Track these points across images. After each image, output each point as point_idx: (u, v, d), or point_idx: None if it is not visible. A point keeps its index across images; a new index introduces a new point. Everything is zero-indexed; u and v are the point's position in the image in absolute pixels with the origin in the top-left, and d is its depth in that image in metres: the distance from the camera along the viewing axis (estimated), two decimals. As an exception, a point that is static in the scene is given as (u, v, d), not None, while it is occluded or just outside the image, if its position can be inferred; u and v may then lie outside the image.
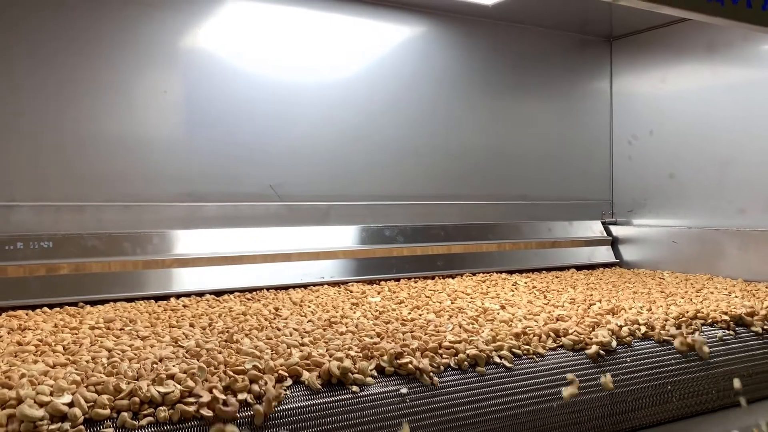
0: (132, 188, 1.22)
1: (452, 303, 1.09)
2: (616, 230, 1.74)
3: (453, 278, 1.43)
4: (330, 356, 0.73)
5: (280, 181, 1.36)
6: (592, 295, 1.18)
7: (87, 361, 0.71)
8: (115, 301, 1.11)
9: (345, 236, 1.40)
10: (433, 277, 1.43)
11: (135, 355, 0.74)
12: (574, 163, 1.75)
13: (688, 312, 0.99)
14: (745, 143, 1.47)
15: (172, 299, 1.14)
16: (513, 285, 1.33)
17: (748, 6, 0.77)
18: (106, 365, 0.69)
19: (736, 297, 1.15)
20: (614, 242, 1.73)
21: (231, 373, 0.66)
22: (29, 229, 1.11)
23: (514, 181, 1.66)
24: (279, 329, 0.88)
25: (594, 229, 1.73)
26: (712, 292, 1.21)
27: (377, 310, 1.02)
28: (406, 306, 1.06)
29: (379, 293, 1.21)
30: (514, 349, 0.80)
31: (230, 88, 1.32)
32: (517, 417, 0.73)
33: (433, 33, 1.56)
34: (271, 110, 1.36)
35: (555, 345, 0.83)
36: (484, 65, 1.63)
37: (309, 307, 1.06)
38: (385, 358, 0.73)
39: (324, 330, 0.87)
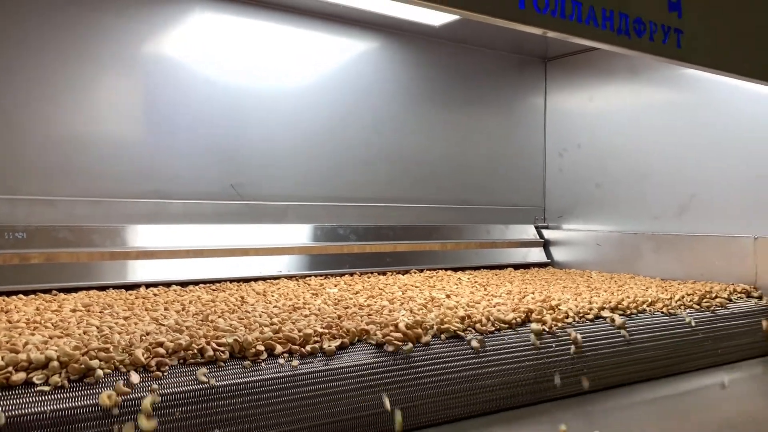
0: (101, 185, 1.28)
1: (403, 294, 1.20)
2: (547, 234, 1.90)
3: (402, 274, 1.55)
4: (299, 331, 0.83)
5: (241, 181, 1.45)
6: (526, 288, 1.32)
7: (80, 334, 0.79)
8: (86, 289, 1.17)
9: (301, 234, 1.50)
10: (384, 273, 1.54)
11: (123, 329, 0.82)
12: (510, 172, 1.90)
13: (610, 301, 1.14)
14: (661, 158, 1.65)
15: (142, 288, 1.21)
16: (457, 280, 1.45)
17: (651, 40, 0.92)
18: (99, 337, 0.77)
19: (651, 291, 1.31)
20: (546, 244, 1.89)
21: (215, 345, 0.75)
22: (3, 221, 1.16)
23: (457, 188, 1.80)
24: (249, 311, 0.97)
25: (528, 232, 1.89)
26: (632, 287, 1.36)
27: (336, 299, 1.13)
28: (361, 295, 1.17)
29: (335, 285, 1.31)
30: (458, 332, 0.92)
31: (194, 93, 1.40)
32: (476, 379, 0.85)
33: (386, 49, 1.68)
34: (233, 115, 1.44)
35: (493, 328, 0.96)
36: (432, 80, 1.76)
37: (273, 296, 1.16)
38: (353, 330, 0.83)
39: (290, 313, 0.97)
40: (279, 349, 0.78)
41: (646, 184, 1.68)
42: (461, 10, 0.75)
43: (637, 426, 0.91)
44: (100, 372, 0.66)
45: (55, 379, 0.64)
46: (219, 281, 1.32)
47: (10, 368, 0.64)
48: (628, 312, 1.13)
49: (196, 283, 1.30)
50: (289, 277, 1.41)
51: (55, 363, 0.65)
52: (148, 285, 1.24)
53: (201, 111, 1.40)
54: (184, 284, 1.27)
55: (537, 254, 1.87)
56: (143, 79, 1.35)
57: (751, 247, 1.42)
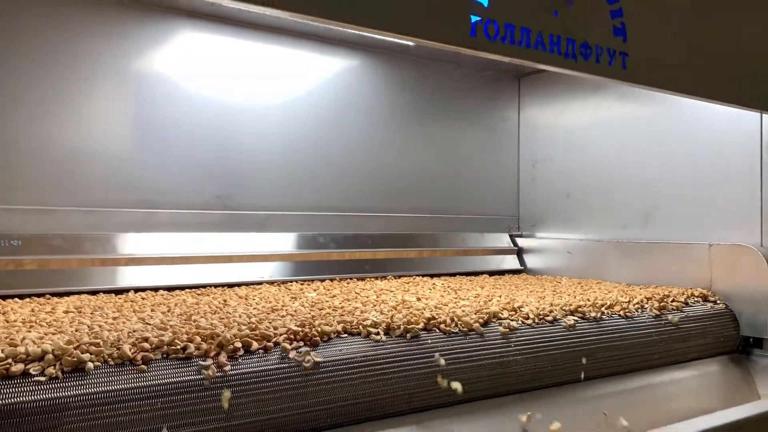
0: (92, 196, 1.36)
1: (377, 297, 1.28)
2: (521, 242, 1.98)
3: (380, 280, 1.63)
4: (274, 329, 0.90)
5: (225, 192, 1.53)
6: (495, 292, 1.40)
7: (72, 332, 0.86)
8: (78, 293, 1.25)
9: (283, 242, 1.58)
10: (362, 279, 1.62)
11: (111, 327, 0.89)
12: (485, 183, 1.99)
13: (571, 304, 1.22)
14: (625, 170, 1.74)
15: (130, 293, 1.28)
16: (432, 285, 1.54)
17: (597, 62, 1.01)
18: (89, 333, 0.84)
19: (612, 294, 1.39)
20: (519, 252, 1.97)
21: (198, 340, 0.83)
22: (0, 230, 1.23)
23: (434, 198, 1.88)
24: (230, 313, 1.05)
25: (502, 240, 1.97)
26: (595, 292, 1.45)
27: (312, 302, 1.20)
28: (337, 299, 1.25)
29: (315, 290, 1.39)
30: (424, 329, 1.00)
31: (181, 110, 1.48)
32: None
33: (364, 66, 1.77)
34: (218, 131, 1.53)
35: (457, 329, 1.04)
36: (409, 96, 1.85)
37: (254, 299, 1.23)
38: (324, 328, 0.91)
39: (267, 314, 1.05)
40: (255, 345, 0.86)
41: (613, 195, 1.78)
42: (417, 38, 0.83)
43: (598, 413, 0.99)
44: (90, 365, 0.73)
45: (50, 370, 0.71)
46: (204, 286, 1.40)
47: (10, 360, 0.71)
48: (587, 314, 1.22)
49: (182, 288, 1.37)
50: (271, 283, 1.49)
51: (50, 356, 0.73)
52: (136, 290, 1.31)
53: (188, 127, 1.48)
54: (170, 289, 1.35)
55: (511, 261, 1.96)
56: (132, 96, 1.43)
57: (706, 253, 1.51)
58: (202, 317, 1.00)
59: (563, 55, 0.98)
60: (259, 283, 1.48)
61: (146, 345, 0.79)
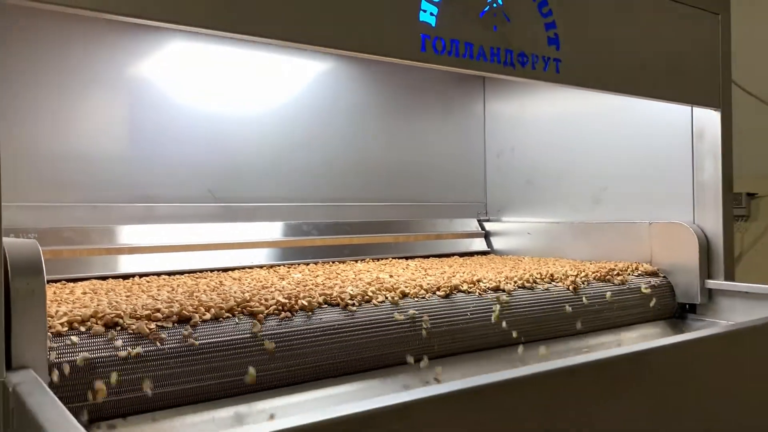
0: (98, 193, 1.52)
1: (356, 276, 1.46)
2: (488, 226, 2.17)
3: (359, 262, 1.80)
4: (259, 303, 1.08)
5: (217, 187, 1.69)
6: (460, 270, 1.58)
7: (95, 306, 1.03)
8: (88, 278, 1.42)
9: (270, 230, 1.75)
10: (343, 262, 1.80)
11: (126, 301, 1.07)
12: (455, 172, 2.17)
13: (523, 276, 1.41)
14: (578, 158, 1.93)
15: (135, 278, 1.45)
16: (405, 266, 1.72)
17: (533, 68, 1.19)
18: (109, 306, 1.02)
19: (564, 269, 1.58)
20: (487, 235, 2.16)
21: (203, 311, 1.01)
22: (18, 225, 1.39)
23: (407, 187, 2.06)
24: (225, 290, 1.22)
25: (471, 224, 2.16)
26: (549, 267, 1.64)
27: (298, 281, 1.38)
28: (320, 278, 1.43)
29: (300, 272, 1.56)
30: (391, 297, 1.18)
31: (176, 113, 1.64)
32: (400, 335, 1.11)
33: (340, 68, 1.94)
34: (211, 131, 1.69)
35: (427, 295, 1.22)
36: (384, 94, 2.02)
37: (246, 280, 1.41)
38: (309, 301, 1.09)
39: (259, 290, 1.22)
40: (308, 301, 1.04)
41: (567, 181, 1.96)
42: (375, 55, 1.01)
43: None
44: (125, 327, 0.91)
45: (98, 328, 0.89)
46: (201, 271, 1.57)
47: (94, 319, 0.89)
48: (535, 286, 1.40)
49: (180, 273, 1.54)
50: (261, 267, 1.67)
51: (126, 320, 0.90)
52: (140, 275, 1.48)
53: (183, 128, 1.65)
54: (170, 274, 1.52)
55: (479, 244, 2.14)
56: (126, 102, 1.59)
57: (647, 231, 1.70)
58: (203, 293, 1.18)
59: (503, 64, 1.16)
60: (251, 267, 1.65)
61: (159, 315, 0.97)
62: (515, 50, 1.18)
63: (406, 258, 1.92)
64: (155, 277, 1.48)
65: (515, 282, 1.39)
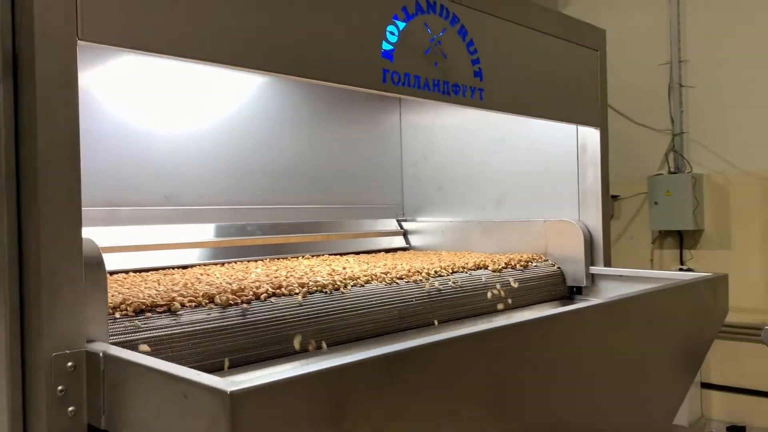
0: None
1: (311, 270, 1.68)
2: (406, 225, 2.45)
3: (300, 258, 2.02)
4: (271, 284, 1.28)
5: (173, 192, 1.85)
6: (397, 263, 1.85)
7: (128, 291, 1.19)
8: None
9: (219, 231, 1.92)
10: (285, 258, 2.01)
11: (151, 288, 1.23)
12: (377, 178, 2.43)
13: (455, 264, 1.70)
14: (483, 166, 2.26)
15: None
16: (346, 261, 1.95)
17: (463, 96, 1.48)
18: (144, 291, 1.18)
19: (475, 259, 1.89)
20: (405, 233, 2.44)
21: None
22: None
23: (336, 191, 2.30)
24: (213, 282, 1.40)
25: (391, 224, 2.43)
26: (463, 258, 1.94)
27: (266, 273, 1.57)
28: (282, 270, 1.63)
29: (256, 267, 1.76)
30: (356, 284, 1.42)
31: (136, 127, 1.78)
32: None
33: (273, 82, 2.13)
34: (165, 141, 1.84)
35: (387, 282, 1.47)
36: (314, 106, 2.24)
37: (215, 275, 1.58)
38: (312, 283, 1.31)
39: (239, 280, 1.41)
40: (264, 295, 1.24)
41: (474, 185, 2.29)
42: (349, 86, 1.25)
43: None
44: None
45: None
46: (164, 268, 1.72)
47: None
48: (465, 270, 1.70)
49: (146, 270, 1.68)
50: (215, 264, 1.84)
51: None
52: (111, 272, 1.61)
53: (143, 141, 1.78)
54: (137, 271, 1.66)
55: (399, 241, 2.42)
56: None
57: (542, 227, 2.05)
58: (194, 285, 1.35)
59: (442, 92, 1.44)
60: (206, 264, 1.82)
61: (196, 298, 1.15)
62: (450, 81, 1.46)
63: (339, 254, 2.16)
64: (124, 275, 1.61)
65: (450, 269, 1.67)
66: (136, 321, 1.04)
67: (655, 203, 4.21)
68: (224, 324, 1.15)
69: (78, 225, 0.91)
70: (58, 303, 0.87)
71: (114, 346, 0.90)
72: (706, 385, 4.28)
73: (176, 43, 1.01)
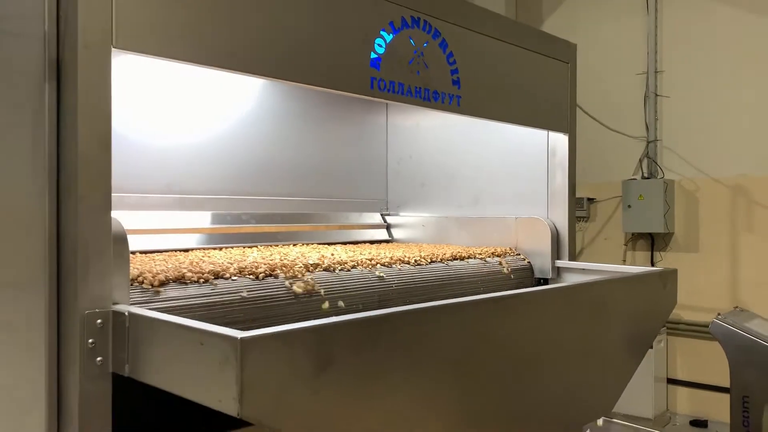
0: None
1: (303, 255, 1.84)
2: (390, 219, 2.63)
3: (291, 246, 2.18)
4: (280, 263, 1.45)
5: (174, 181, 2.01)
6: (381, 251, 2.02)
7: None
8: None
9: (216, 218, 2.09)
10: (277, 245, 2.17)
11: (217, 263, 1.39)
12: (363, 175, 2.60)
13: (433, 254, 1.88)
14: (462, 166, 2.44)
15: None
16: (333, 249, 2.12)
17: (442, 102, 1.65)
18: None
19: (453, 251, 2.07)
20: (389, 227, 2.62)
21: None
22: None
23: (325, 186, 2.47)
24: (224, 262, 1.57)
25: (376, 218, 2.61)
26: (442, 249, 2.11)
27: (263, 257, 1.74)
28: (276, 255, 1.79)
29: (252, 252, 1.92)
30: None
31: (139, 123, 1.94)
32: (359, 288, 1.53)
33: (272, 85, 2.30)
34: (167, 136, 2.00)
35: (372, 265, 1.64)
36: (307, 108, 2.41)
37: (216, 257, 1.75)
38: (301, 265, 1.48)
39: (240, 261, 1.58)
40: (280, 274, 1.41)
41: (453, 183, 2.47)
42: (341, 91, 1.42)
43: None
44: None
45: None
46: (171, 250, 1.88)
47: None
48: (443, 259, 1.87)
49: (154, 252, 1.84)
50: (213, 248, 2.00)
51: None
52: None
53: (147, 138, 1.95)
54: (144, 252, 1.82)
55: (382, 234, 2.60)
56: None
57: (513, 223, 2.23)
58: (199, 264, 1.52)
59: (423, 98, 1.62)
60: (206, 248, 1.99)
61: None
62: (431, 89, 1.64)
63: (327, 244, 2.33)
64: (133, 255, 1.77)
65: (436, 257, 1.85)
66: (154, 290, 1.20)
67: (629, 206, 4.42)
68: (229, 298, 1.32)
69: (108, 205, 1.07)
70: (90, 270, 1.04)
71: (136, 307, 1.07)
72: (671, 381, 4.50)
73: (195, 52, 1.17)
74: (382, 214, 2.64)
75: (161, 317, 0.98)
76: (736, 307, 3.30)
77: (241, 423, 0.88)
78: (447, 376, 1.14)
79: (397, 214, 2.65)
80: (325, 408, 0.94)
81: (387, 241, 2.59)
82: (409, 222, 2.58)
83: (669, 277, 1.84)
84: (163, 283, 1.23)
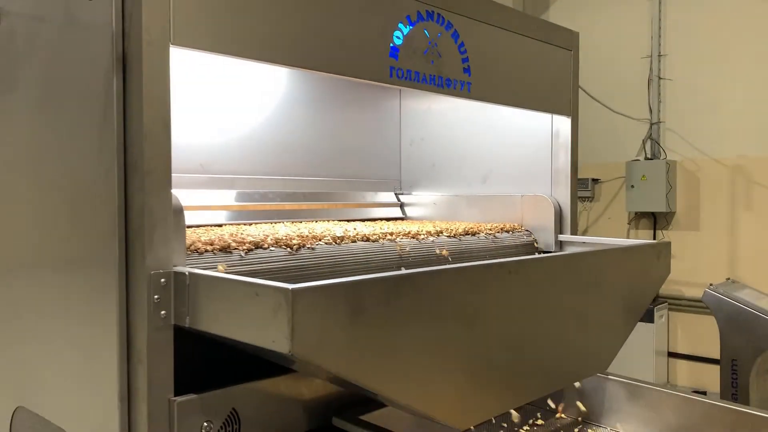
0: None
1: (327, 229, 2.01)
2: (403, 198, 2.79)
3: (312, 222, 2.35)
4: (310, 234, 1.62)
5: (207, 161, 2.18)
6: (399, 226, 2.19)
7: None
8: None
9: (245, 197, 2.26)
10: (301, 221, 2.34)
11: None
12: (378, 155, 2.77)
13: (449, 229, 2.04)
14: (472, 147, 2.59)
15: (159, 229, 1.92)
16: (355, 225, 2.29)
17: (454, 88, 1.81)
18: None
19: (465, 226, 2.23)
20: (402, 205, 2.78)
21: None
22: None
23: (342, 166, 2.63)
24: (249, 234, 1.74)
25: (390, 197, 2.77)
26: (455, 225, 2.28)
27: (293, 230, 1.91)
28: (304, 230, 1.96)
29: (281, 227, 2.09)
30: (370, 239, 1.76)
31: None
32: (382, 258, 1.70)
33: (294, 72, 2.46)
34: (199, 119, 2.17)
35: (392, 239, 1.81)
36: (325, 93, 2.57)
37: (249, 230, 1.92)
38: (329, 237, 1.65)
39: (274, 234, 1.75)
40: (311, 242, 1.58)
41: (463, 164, 2.63)
42: (364, 79, 1.58)
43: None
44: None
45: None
46: (199, 226, 2.05)
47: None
48: (455, 234, 2.04)
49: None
50: (243, 224, 2.18)
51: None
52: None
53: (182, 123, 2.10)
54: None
55: (396, 212, 2.76)
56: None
57: (519, 201, 2.39)
58: (239, 235, 1.69)
59: (437, 85, 1.77)
60: (238, 223, 2.16)
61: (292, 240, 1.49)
62: (444, 76, 1.79)
63: (346, 220, 2.50)
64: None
65: (457, 230, 2.02)
66: (209, 255, 1.38)
67: (632, 186, 4.57)
68: (274, 266, 1.49)
69: (169, 180, 1.24)
70: (155, 236, 1.21)
71: (194, 268, 1.24)
72: (672, 354, 4.68)
73: (241, 48, 1.34)
74: (395, 193, 2.81)
75: (220, 275, 1.16)
76: (728, 278, 3.46)
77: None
78: (460, 329, 1.31)
79: (409, 193, 2.81)
80: (357, 348, 1.11)
81: (401, 219, 2.75)
82: (421, 200, 2.74)
83: (663, 249, 2.00)
84: (212, 251, 1.40)
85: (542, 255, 1.60)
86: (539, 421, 1.90)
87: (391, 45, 1.65)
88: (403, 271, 1.18)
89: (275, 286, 1.03)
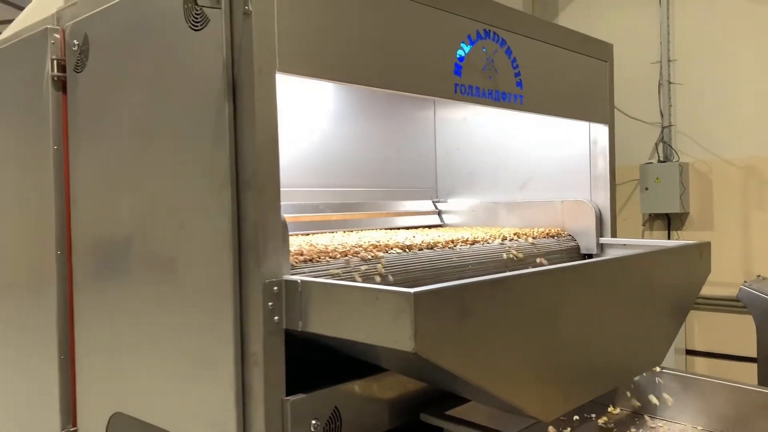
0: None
1: (387, 238, 2.11)
2: (440, 206, 2.90)
3: (362, 231, 2.45)
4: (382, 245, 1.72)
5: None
6: (440, 234, 2.29)
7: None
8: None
9: (302, 208, 2.36)
10: (351, 230, 2.44)
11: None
12: (415, 165, 2.87)
13: (495, 235, 2.15)
14: (509, 155, 2.70)
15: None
16: (405, 233, 2.39)
17: (509, 101, 1.92)
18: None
19: (509, 231, 2.34)
20: (440, 213, 2.89)
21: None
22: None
23: (383, 176, 2.73)
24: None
25: (428, 205, 2.88)
26: (498, 230, 2.39)
27: (362, 240, 2.01)
28: (369, 239, 2.06)
29: (341, 236, 2.19)
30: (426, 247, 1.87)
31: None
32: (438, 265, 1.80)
33: (339, 88, 2.56)
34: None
35: (444, 246, 1.91)
36: (365, 107, 2.67)
37: (321, 240, 2.01)
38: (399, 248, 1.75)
39: (344, 244, 1.85)
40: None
41: (500, 171, 2.73)
42: (432, 96, 1.69)
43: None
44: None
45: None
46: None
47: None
48: (502, 239, 2.15)
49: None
50: (300, 234, 2.27)
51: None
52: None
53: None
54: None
55: (434, 219, 2.87)
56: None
57: (560, 206, 2.50)
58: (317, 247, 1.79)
59: (494, 99, 1.88)
60: (293, 234, 2.25)
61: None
62: (500, 90, 1.90)
63: (388, 229, 2.60)
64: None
65: (502, 234, 2.13)
66: (311, 265, 1.48)
67: (646, 189, 4.69)
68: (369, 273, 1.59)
69: (278, 196, 1.34)
70: (268, 248, 1.31)
71: (303, 276, 1.34)
72: (690, 352, 4.80)
73: (332, 72, 1.45)
74: (433, 202, 2.91)
75: (334, 282, 1.26)
76: (759, 275, 3.58)
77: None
78: (545, 327, 1.42)
79: (446, 201, 2.92)
80: (465, 345, 1.21)
81: (440, 226, 2.86)
82: (458, 208, 2.85)
83: (704, 248, 2.12)
84: (309, 260, 1.50)
85: (604, 258, 1.71)
86: (601, 420, 2.00)
87: (455, 63, 1.76)
88: (504, 274, 1.29)
89: (397, 291, 1.13)
